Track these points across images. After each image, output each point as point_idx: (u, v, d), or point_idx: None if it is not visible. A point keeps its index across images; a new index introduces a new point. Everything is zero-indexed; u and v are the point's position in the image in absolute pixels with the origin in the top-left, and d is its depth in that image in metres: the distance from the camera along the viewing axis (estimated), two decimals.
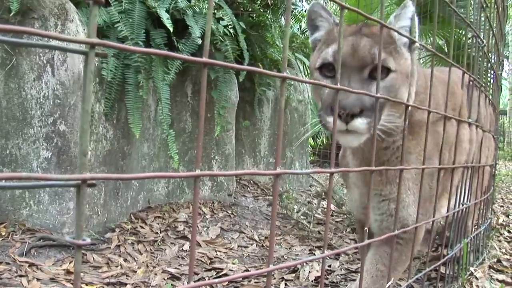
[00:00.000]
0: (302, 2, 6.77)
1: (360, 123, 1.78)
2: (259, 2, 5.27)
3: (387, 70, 1.95)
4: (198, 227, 4.11)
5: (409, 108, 2.10)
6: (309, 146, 8.37)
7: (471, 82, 2.63)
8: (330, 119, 1.82)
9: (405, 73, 2.02)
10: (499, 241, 4.66)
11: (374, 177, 2.25)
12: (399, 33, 1.71)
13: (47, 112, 3.40)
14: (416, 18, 2.09)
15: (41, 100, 3.38)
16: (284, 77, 1.12)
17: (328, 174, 1.30)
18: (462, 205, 2.68)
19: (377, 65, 1.87)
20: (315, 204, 5.34)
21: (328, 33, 2.13)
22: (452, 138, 2.31)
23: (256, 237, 4.19)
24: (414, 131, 2.29)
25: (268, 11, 5.33)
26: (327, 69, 2.03)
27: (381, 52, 1.66)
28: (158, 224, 4.08)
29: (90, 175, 0.79)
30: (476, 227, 3.39)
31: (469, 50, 7.27)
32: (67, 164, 3.45)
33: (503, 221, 5.81)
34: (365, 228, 1.55)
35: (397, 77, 1.98)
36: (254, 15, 5.28)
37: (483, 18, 3.16)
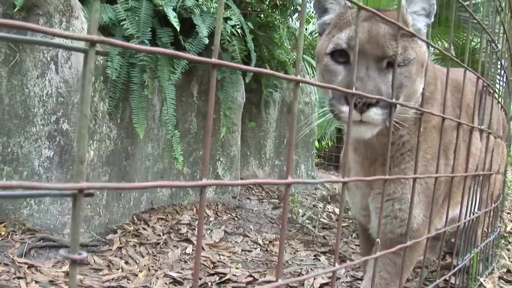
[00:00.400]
0: (310, 2, 6.69)
1: (375, 113, 1.68)
2: (267, 2, 5.20)
3: (406, 60, 1.84)
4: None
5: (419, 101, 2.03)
6: (315, 148, 8.29)
7: (484, 88, 2.56)
8: (343, 108, 1.72)
9: (421, 62, 1.91)
10: (508, 250, 4.58)
11: (378, 173, 2.16)
12: (415, 34, 1.62)
13: (50, 110, 3.34)
14: (434, 2, 1.94)
15: (44, 98, 3.32)
16: (298, 80, 1.05)
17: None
18: (473, 214, 2.59)
19: (400, 59, 1.78)
20: (320, 207, 5.26)
21: (340, 16, 1.97)
22: (459, 141, 2.22)
23: (260, 241, 4.12)
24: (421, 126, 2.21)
25: (277, 12, 5.25)
26: (339, 55, 1.87)
27: (398, 47, 1.57)
28: (161, 226, 4.01)
29: (87, 184, 0.72)
30: (485, 235, 3.31)
31: (477, 56, 7.20)
32: (69, 163, 3.39)
33: (511, 228, 5.73)
34: (377, 240, 1.47)
35: (414, 66, 1.86)
36: (262, 15, 5.21)
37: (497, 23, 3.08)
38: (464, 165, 2.34)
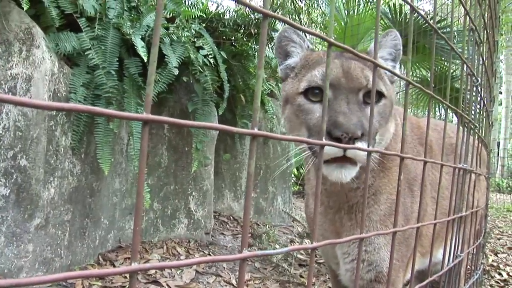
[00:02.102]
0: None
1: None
2: (242, 31, 5.07)
3: (379, 95, 1.81)
4: (171, 270, 3.81)
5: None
6: (293, 175, 8.12)
7: (466, 125, 2.43)
8: (327, 148, 1.60)
9: (392, 100, 1.89)
10: (491, 286, 4.44)
11: (345, 222, 2.11)
12: (391, 71, 1.48)
13: (6, 145, 3.11)
14: (400, 48, 1.98)
15: (1, 131, 3.10)
16: (254, 134, 0.88)
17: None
18: (456, 257, 2.44)
19: (370, 89, 1.74)
20: (297, 242, 5.07)
21: (306, 58, 1.96)
22: (419, 176, 2.13)
23: (233, 281, 3.90)
24: (386, 167, 2.09)
25: (251, 41, 5.12)
26: (313, 93, 1.82)
27: (367, 72, 1.50)
28: (128, 266, 3.77)
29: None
30: (469, 273, 3.18)
31: (456, 84, 7.17)
32: (27, 202, 3.15)
33: (493, 261, 5.61)
34: None
35: (388, 103, 1.84)
36: (236, 44, 5.07)
37: (476, 54, 2.99)
38: (433, 200, 2.26)
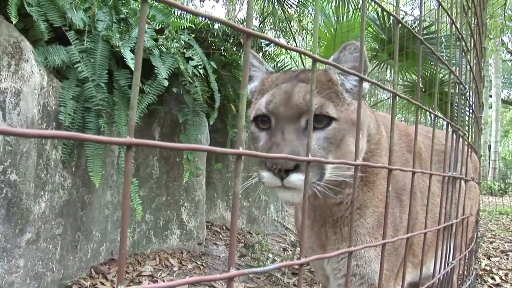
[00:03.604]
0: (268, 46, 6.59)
1: (297, 179, 1.58)
2: (231, 40, 5.08)
3: (328, 119, 1.74)
4: (164, 281, 3.79)
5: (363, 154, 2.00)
6: None
7: (455, 132, 2.45)
8: (263, 174, 1.65)
9: (351, 121, 1.79)
10: None
11: (330, 235, 2.11)
12: (377, 84, 1.48)
13: None
14: (365, 58, 1.85)
15: None
16: (239, 153, 0.89)
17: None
18: (448, 265, 2.45)
19: (320, 113, 1.72)
20: (291, 250, 5.07)
21: (262, 82, 1.96)
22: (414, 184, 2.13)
23: None
24: (369, 180, 2.09)
25: (241, 50, 5.14)
26: (261, 120, 1.83)
27: (313, 97, 1.52)
28: None
29: None
30: (462, 279, 3.19)
31: (446, 89, 7.19)
32: (17, 217, 3.13)
33: (486, 265, 5.63)
34: None
35: (340, 126, 1.76)
36: (226, 54, 5.08)
37: (463, 61, 3.02)
38: (425, 208, 2.26)
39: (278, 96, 1.76)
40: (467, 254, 3.20)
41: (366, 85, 1.86)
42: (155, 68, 3.69)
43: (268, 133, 1.77)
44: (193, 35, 4.54)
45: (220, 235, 5.28)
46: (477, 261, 4.84)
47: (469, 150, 3.04)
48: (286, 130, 1.69)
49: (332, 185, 1.77)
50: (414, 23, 8.58)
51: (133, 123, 0.72)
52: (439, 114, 1.98)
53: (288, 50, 7.71)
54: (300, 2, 8.19)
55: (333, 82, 1.84)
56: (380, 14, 7.11)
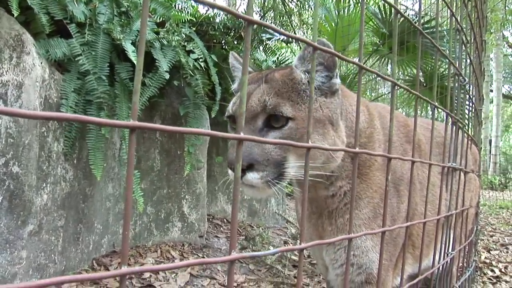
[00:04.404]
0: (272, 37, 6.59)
1: (252, 177, 1.71)
2: (232, 34, 5.09)
3: (285, 118, 1.78)
4: (165, 273, 3.82)
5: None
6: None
7: (454, 125, 2.46)
8: (229, 172, 1.81)
9: (314, 119, 1.80)
10: (483, 283, 4.47)
11: (326, 227, 2.17)
12: (378, 73, 1.50)
13: None
14: (333, 60, 1.85)
15: None
16: (240, 138, 0.90)
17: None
18: (447, 255, 2.46)
19: (274, 113, 1.78)
20: (291, 243, 5.09)
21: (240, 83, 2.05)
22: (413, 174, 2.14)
23: None
24: (362, 172, 2.11)
25: (242, 43, 5.14)
26: (232, 121, 2.00)
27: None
28: (118, 270, 3.77)
29: None
30: (461, 270, 3.20)
31: (447, 82, 7.19)
32: (20, 209, 3.15)
33: (486, 258, 5.65)
34: None
35: (298, 125, 1.78)
36: (227, 47, 5.09)
37: (463, 54, 3.02)
38: (423, 198, 2.28)
39: (237, 98, 1.91)
40: (467, 246, 3.22)
41: (337, 80, 1.90)
42: (156, 61, 3.70)
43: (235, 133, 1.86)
44: (194, 28, 4.55)
45: (221, 228, 5.31)
46: (477, 254, 4.86)
47: (469, 142, 3.05)
48: (243, 131, 1.73)
49: (317, 179, 1.87)
50: (416, 17, 8.56)
51: (136, 106, 0.74)
52: (438, 106, 1.98)
53: (288, 44, 7.72)
54: None
55: (296, 81, 1.85)
56: (381, 8, 7.11)
